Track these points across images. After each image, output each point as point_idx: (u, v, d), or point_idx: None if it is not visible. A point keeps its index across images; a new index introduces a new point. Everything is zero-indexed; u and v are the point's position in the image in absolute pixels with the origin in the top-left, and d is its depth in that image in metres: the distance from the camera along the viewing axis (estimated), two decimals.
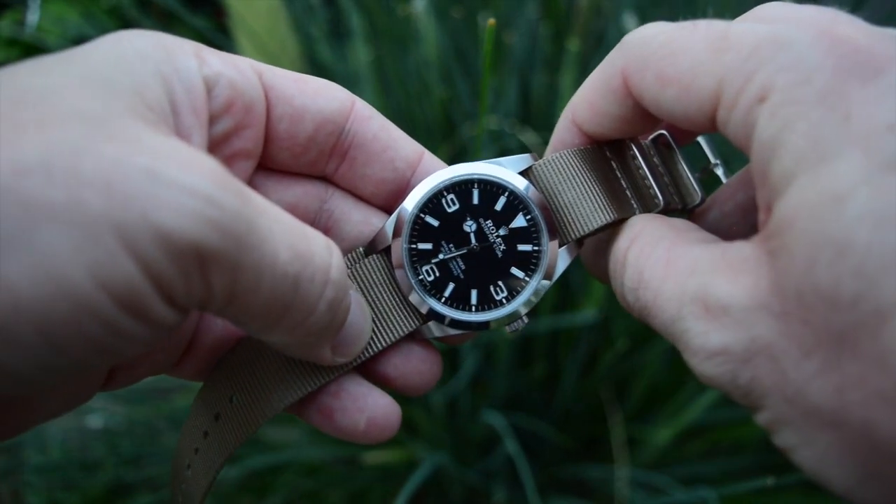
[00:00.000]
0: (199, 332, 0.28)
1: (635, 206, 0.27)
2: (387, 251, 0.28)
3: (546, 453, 0.79)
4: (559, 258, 0.27)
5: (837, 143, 0.18)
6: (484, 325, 0.28)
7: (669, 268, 0.23)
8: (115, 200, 0.16)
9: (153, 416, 0.81)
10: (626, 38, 0.25)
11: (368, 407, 0.27)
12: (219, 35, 0.81)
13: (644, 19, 0.73)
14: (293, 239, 0.20)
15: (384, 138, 0.28)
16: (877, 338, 0.17)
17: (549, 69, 0.73)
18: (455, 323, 0.27)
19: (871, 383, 0.17)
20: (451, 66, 0.77)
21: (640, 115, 0.25)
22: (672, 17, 0.86)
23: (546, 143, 0.68)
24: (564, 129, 0.28)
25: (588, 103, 0.26)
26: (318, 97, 0.26)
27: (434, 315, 0.27)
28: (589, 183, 0.27)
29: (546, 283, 0.27)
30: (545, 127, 0.71)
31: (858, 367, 0.17)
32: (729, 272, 0.21)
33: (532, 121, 0.74)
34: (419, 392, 0.28)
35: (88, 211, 0.16)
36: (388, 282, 0.27)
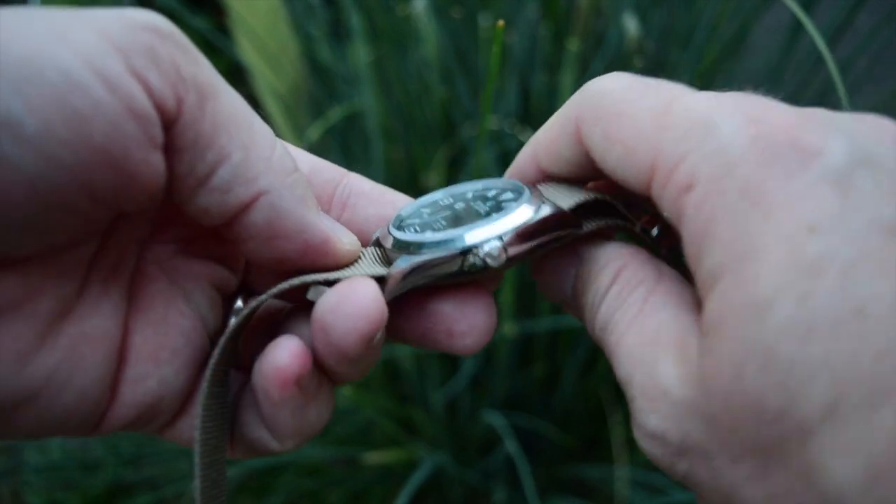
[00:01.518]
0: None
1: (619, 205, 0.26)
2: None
3: (546, 453, 0.79)
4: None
5: (760, 243, 0.18)
6: (443, 246, 0.24)
7: (636, 321, 0.22)
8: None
9: None
10: (586, 87, 0.24)
11: None
12: (219, 35, 0.81)
13: (644, 19, 0.73)
14: None
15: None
16: (802, 453, 0.16)
17: (549, 69, 0.73)
18: (419, 246, 0.24)
19: (798, 497, 0.17)
20: (451, 66, 0.77)
21: (592, 164, 0.24)
22: (672, 17, 0.86)
23: None
24: (525, 160, 0.27)
25: (548, 141, 0.26)
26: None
27: (399, 245, 0.24)
28: (577, 188, 0.26)
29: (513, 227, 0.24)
30: None
31: (786, 480, 0.17)
32: (679, 355, 0.20)
33: (532, 121, 0.74)
34: (473, 345, 0.24)
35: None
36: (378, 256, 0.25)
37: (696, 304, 0.21)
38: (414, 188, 0.79)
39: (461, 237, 0.23)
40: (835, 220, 0.17)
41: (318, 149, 0.79)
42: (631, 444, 0.72)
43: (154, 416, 0.24)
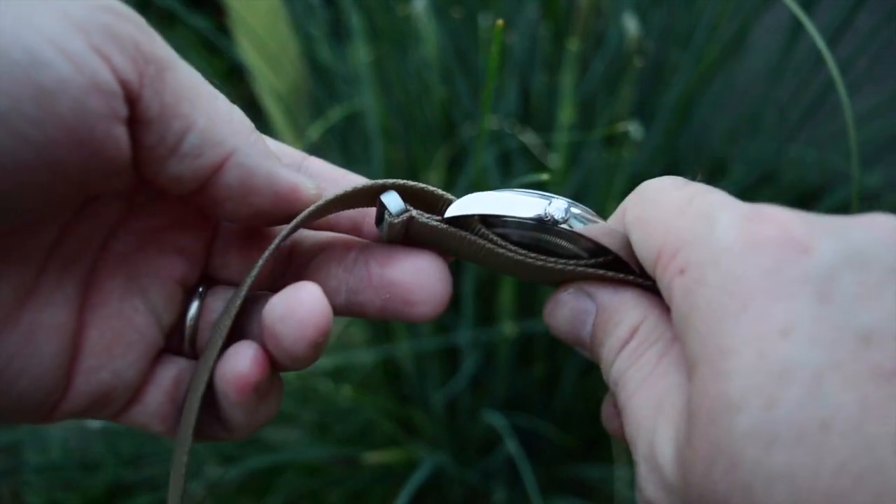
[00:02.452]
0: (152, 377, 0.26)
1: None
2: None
3: (546, 453, 0.79)
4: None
5: (733, 339, 0.18)
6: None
7: (647, 382, 0.22)
8: None
9: None
10: (643, 183, 0.25)
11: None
12: (219, 35, 0.81)
13: (644, 19, 0.73)
14: None
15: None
16: None
17: (549, 69, 0.73)
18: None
19: None
20: (451, 66, 0.77)
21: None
22: (672, 17, 0.86)
23: (546, 143, 0.68)
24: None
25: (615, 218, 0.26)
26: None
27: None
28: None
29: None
30: (545, 127, 0.71)
31: None
32: (675, 431, 0.20)
33: (532, 121, 0.74)
34: (426, 312, 0.25)
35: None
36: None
37: None
38: None
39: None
40: (809, 324, 0.17)
41: (318, 149, 0.79)
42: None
43: (106, 405, 0.25)
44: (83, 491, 0.83)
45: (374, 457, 0.72)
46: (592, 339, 0.25)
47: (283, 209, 0.24)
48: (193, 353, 0.27)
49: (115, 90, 0.20)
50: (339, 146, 0.85)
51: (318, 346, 0.22)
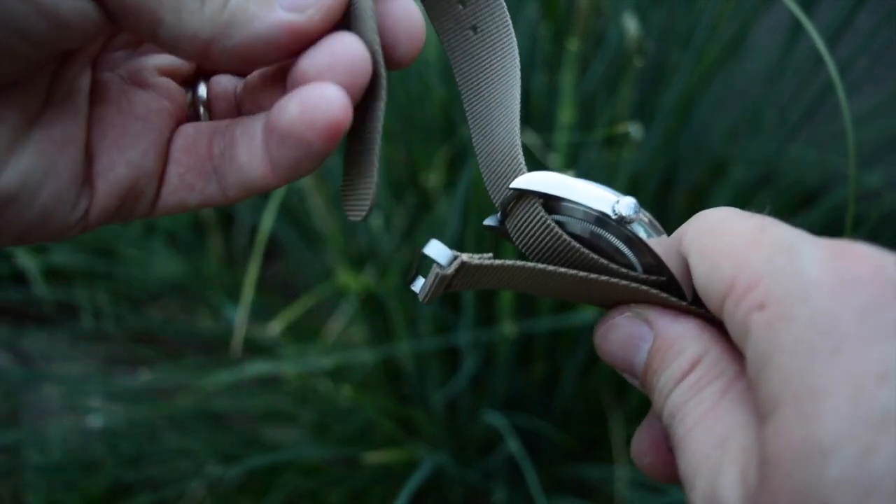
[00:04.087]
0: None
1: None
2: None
3: (546, 453, 0.79)
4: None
5: (824, 383, 0.17)
6: None
7: (708, 418, 0.21)
8: None
9: (153, 416, 0.81)
10: (702, 212, 0.24)
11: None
12: None
13: (644, 19, 0.73)
14: None
15: None
16: None
17: (549, 69, 0.73)
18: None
19: None
20: (452, 66, 0.77)
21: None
22: (672, 17, 0.85)
23: (546, 143, 0.68)
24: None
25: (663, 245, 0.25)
26: None
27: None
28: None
29: None
30: (545, 127, 0.71)
31: None
32: (741, 473, 0.19)
33: (532, 121, 0.74)
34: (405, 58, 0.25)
35: None
36: None
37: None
38: (414, 188, 0.80)
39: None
40: None
41: None
42: (631, 444, 0.72)
43: (136, 199, 0.25)
44: (83, 491, 0.83)
45: (374, 457, 0.72)
46: (646, 366, 0.24)
47: (289, 51, 0.23)
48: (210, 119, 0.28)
49: None
50: (339, 146, 0.85)
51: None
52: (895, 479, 0.16)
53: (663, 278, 0.24)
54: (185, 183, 0.26)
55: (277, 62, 0.24)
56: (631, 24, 0.63)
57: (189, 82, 0.28)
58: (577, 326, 0.71)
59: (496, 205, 0.27)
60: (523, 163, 0.25)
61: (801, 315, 0.18)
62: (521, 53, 0.28)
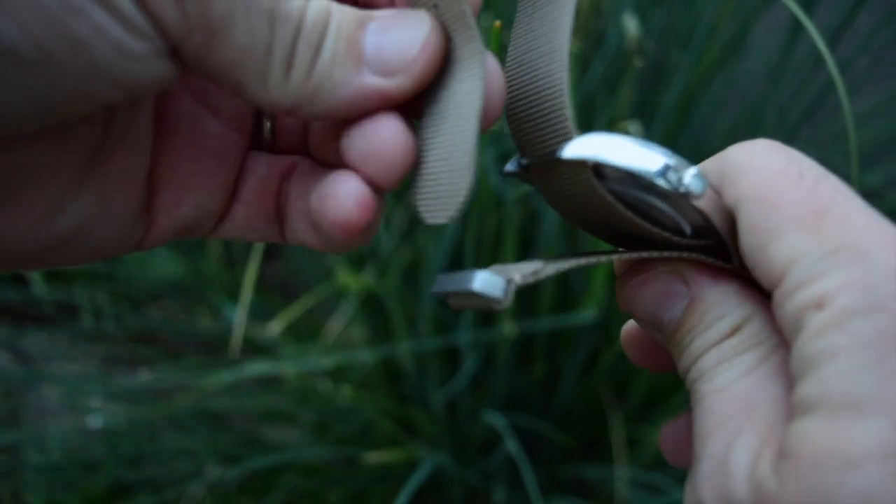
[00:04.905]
0: (244, 171, 0.25)
1: None
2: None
3: (546, 453, 0.79)
4: None
5: (869, 400, 0.17)
6: None
7: (740, 382, 0.20)
8: None
9: (153, 416, 0.81)
10: (734, 149, 0.22)
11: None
12: None
13: (644, 19, 0.73)
14: None
15: None
16: None
17: None
18: None
19: None
20: None
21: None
22: (672, 17, 0.85)
23: None
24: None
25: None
26: None
27: None
28: None
29: None
30: None
31: None
32: (759, 447, 0.19)
33: None
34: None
35: None
36: None
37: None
38: None
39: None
40: None
41: None
42: (631, 444, 0.72)
43: (195, 231, 0.24)
44: (83, 491, 0.83)
45: (374, 457, 0.72)
46: (679, 324, 0.23)
47: (379, 110, 0.21)
48: (274, 145, 0.26)
49: (155, 37, 0.18)
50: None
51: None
52: None
53: (711, 241, 0.23)
54: (248, 224, 0.25)
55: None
56: (631, 24, 0.63)
57: None
58: (577, 326, 0.71)
59: (522, 151, 0.25)
60: (572, 124, 0.22)
61: (861, 329, 0.17)
62: None
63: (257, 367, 0.71)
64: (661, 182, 0.21)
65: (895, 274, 0.18)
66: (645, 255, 0.23)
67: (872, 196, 0.83)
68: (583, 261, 0.23)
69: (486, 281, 0.21)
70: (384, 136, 0.21)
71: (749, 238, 0.21)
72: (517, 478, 0.68)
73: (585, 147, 0.22)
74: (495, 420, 0.69)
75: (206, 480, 0.75)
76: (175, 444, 0.82)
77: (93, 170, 0.21)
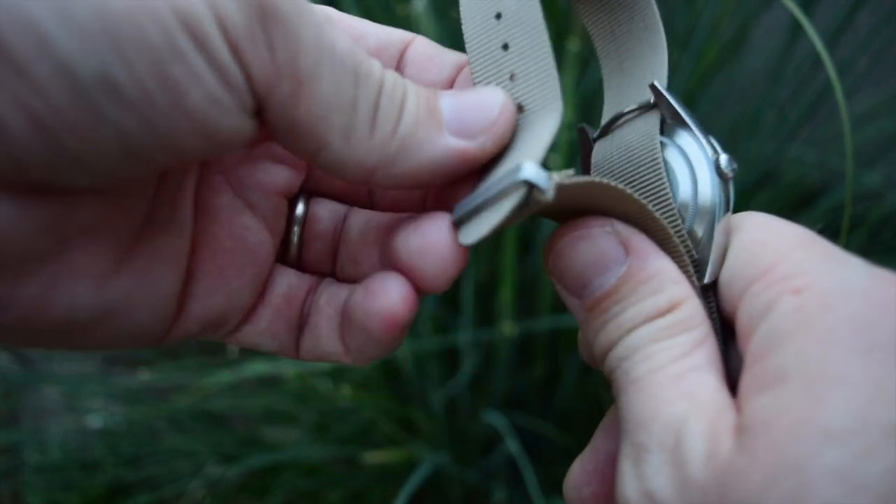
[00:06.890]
0: (271, 280, 0.26)
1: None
2: None
3: (546, 453, 0.79)
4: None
5: (847, 373, 0.17)
6: None
7: (678, 364, 0.20)
8: None
9: (153, 416, 0.81)
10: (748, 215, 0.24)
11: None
12: None
13: None
14: (348, 34, 0.21)
15: None
16: None
17: None
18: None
19: None
20: None
21: None
22: (671, 17, 0.85)
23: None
24: None
25: None
26: None
27: None
28: None
29: None
30: None
31: None
32: (710, 432, 0.18)
33: None
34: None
35: None
36: None
37: (727, 384, 0.20)
38: None
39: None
40: None
41: None
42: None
43: (218, 327, 0.24)
44: (83, 491, 0.83)
45: (373, 457, 0.72)
46: (610, 291, 0.22)
47: (458, 174, 0.22)
48: (300, 263, 0.26)
49: (246, 91, 0.18)
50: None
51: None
52: (885, 489, 0.15)
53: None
54: (270, 329, 0.25)
55: (439, 185, 0.23)
56: None
57: (288, 196, 0.26)
58: (577, 326, 0.71)
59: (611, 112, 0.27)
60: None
61: (839, 309, 0.18)
62: None
63: (257, 367, 0.71)
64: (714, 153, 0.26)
65: (872, 277, 0.19)
66: (658, 221, 0.22)
67: (872, 196, 0.83)
68: (630, 193, 0.21)
69: (534, 171, 0.20)
70: (441, 234, 0.21)
71: (740, 251, 0.22)
72: (517, 478, 0.68)
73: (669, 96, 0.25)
74: (495, 420, 0.69)
75: (206, 480, 0.75)
76: (175, 443, 0.82)
77: (140, 243, 0.21)
